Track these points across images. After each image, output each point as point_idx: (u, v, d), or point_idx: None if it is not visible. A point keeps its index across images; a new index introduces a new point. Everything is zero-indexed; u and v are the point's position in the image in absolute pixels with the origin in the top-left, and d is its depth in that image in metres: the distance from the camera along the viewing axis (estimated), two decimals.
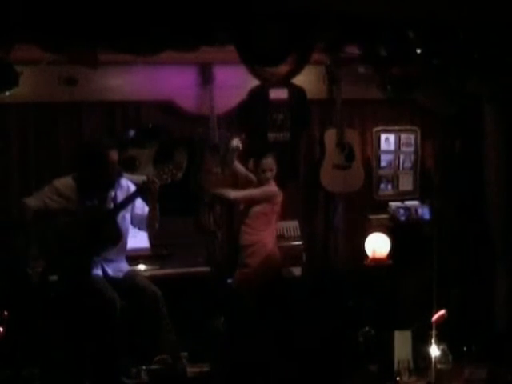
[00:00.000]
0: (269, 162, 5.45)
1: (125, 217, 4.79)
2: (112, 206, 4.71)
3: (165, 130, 5.91)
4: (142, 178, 4.82)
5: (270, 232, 5.51)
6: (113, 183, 4.74)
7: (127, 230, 4.87)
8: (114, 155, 4.68)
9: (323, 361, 4.99)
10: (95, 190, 4.68)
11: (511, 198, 5.64)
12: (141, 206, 4.84)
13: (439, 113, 6.20)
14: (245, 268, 5.43)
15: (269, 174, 5.45)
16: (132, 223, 4.89)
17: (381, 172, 6.54)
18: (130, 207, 4.80)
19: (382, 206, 6.34)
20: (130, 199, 4.72)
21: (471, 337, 5.24)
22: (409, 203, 6.35)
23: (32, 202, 4.67)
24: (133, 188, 4.81)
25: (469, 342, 5.17)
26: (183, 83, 5.89)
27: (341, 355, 5.09)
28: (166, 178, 4.63)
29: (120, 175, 4.81)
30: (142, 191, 4.71)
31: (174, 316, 4.81)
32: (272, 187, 5.47)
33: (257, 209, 5.44)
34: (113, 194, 4.74)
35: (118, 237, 4.70)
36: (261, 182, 5.49)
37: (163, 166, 4.68)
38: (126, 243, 4.90)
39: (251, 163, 5.60)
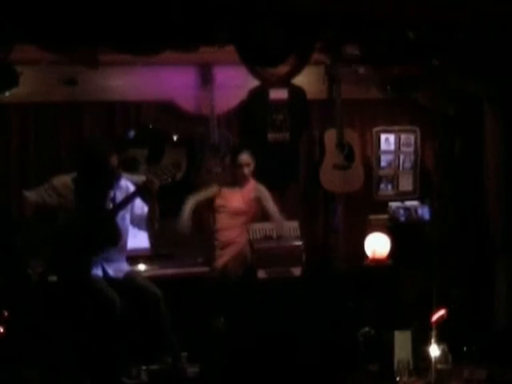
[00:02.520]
0: (244, 157, 5.38)
1: (124, 217, 4.79)
2: (111, 206, 4.71)
3: (165, 130, 5.92)
4: (141, 178, 4.82)
5: (244, 230, 5.48)
6: (111, 186, 4.74)
7: (127, 230, 4.86)
8: (114, 161, 4.68)
9: (323, 361, 4.99)
10: (94, 193, 4.68)
11: (511, 198, 5.64)
12: (140, 206, 4.84)
13: (439, 113, 6.21)
14: (215, 265, 5.40)
15: (245, 170, 5.37)
16: (132, 223, 4.89)
17: (381, 172, 6.54)
18: (129, 207, 4.79)
19: (382, 206, 6.34)
20: (129, 199, 4.72)
21: (471, 337, 5.24)
22: (409, 203, 6.35)
23: (33, 196, 4.66)
24: (132, 188, 4.81)
25: (469, 342, 5.18)
26: (183, 83, 5.89)
27: (341, 355, 5.09)
28: (166, 177, 4.63)
29: (119, 177, 4.81)
30: (141, 191, 4.71)
31: (174, 316, 4.81)
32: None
33: (240, 207, 5.41)
34: (112, 194, 4.74)
35: (118, 237, 4.70)
36: (237, 179, 5.43)
37: (162, 166, 4.68)
38: (126, 243, 4.90)
39: (228, 159, 5.56)
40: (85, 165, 4.71)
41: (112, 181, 4.71)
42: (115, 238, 4.68)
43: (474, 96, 5.52)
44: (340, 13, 4.24)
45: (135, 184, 4.83)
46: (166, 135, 5.89)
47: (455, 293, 5.72)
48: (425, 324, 4.83)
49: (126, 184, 4.85)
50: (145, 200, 4.79)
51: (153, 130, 5.89)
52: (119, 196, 4.75)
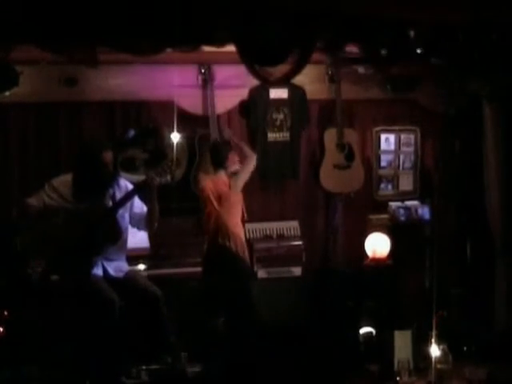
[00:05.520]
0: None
1: (124, 216, 4.79)
2: (110, 204, 4.71)
3: (164, 131, 5.91)
4: (141, 178, 4.83)
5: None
6: (108, 184, 4.74)
7: (127, 229, 4.86)
8: (108, 156, 4.68)
9: (323, 361, 4.99)
10: (90, 190, 4.68)
11: (511, 197, 5.64)
12: (139, 206, 4.84)
13: (439, 113, 6.22)
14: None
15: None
16: (131, 223, 4.88)
17: (381, 172, 6.53)
18: (128, 206, 4.79)
19: (382, 206, 6.34)
20: (128, 196, 4.71)
21: (471, 337, 5.25)
22: (409, 203, 6.34)
23: (33, 201, 4.69)
24: (131, 188, 4.81)
25: (469, 341, 5.18)
26: (183, 83, 5.89)
27: (341, 355, 5.09)
28: (165, 174, 4.63)
29: (117, 176, 4.81)
30: (140, 189, 4.72)
31: (173, 316, 4.81)
32: None
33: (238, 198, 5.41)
34: (111, 192, 4.74)
35: (117, 235, 4.70)
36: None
37: (161, 164, 4.69)
38: (126, 242, 4.89)
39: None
40: (79, 160, 4.73)
41: (110, 178, 4.72)
42: (115, 235, 4.68)
43: (474, 96, 5.52)
44: (340, 13, 4.24)
45: (134, 184, 4.83)
46: (166, 135, 5.88)
47: (455, 293, 5.72)
48: (425, 324, 4.83)
49: (126, 184, 4.85)
50: (144, 199, 4.79)
51: (153, 130, 5.89)
52: (118, 196, 4.75)
